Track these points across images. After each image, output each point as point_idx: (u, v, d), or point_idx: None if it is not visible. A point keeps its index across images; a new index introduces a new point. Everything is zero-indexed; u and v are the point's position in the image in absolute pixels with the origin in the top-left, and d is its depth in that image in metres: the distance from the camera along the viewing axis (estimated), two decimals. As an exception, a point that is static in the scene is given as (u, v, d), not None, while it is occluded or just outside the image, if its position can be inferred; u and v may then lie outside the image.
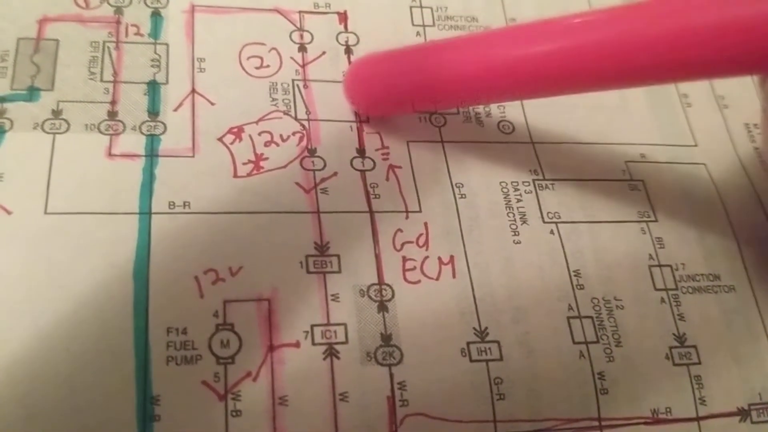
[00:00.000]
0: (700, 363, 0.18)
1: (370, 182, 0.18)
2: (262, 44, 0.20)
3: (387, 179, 0.18)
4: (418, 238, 0.18)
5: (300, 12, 0.20)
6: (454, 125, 0.20)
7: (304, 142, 0.18)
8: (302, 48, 0.20)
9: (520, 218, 0.18)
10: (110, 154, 0.17)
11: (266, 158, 0.18)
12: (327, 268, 0.17)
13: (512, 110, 0.20)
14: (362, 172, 0.18)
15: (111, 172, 0.17)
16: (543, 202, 0.19)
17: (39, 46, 0.18)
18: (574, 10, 0.15)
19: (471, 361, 0.16)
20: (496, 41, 0.16)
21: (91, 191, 0.16)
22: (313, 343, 0.16)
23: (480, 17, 0.22)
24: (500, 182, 0.19)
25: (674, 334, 0.18)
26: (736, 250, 0.19)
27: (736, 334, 0.18)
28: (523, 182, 0.19)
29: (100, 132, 0.17)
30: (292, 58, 0.20)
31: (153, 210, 0.16)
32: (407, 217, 0.18)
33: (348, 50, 0.20)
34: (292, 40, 0.20)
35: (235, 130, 0.18)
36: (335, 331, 0.16)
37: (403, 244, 0.17)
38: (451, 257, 0.18)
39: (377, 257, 0.17)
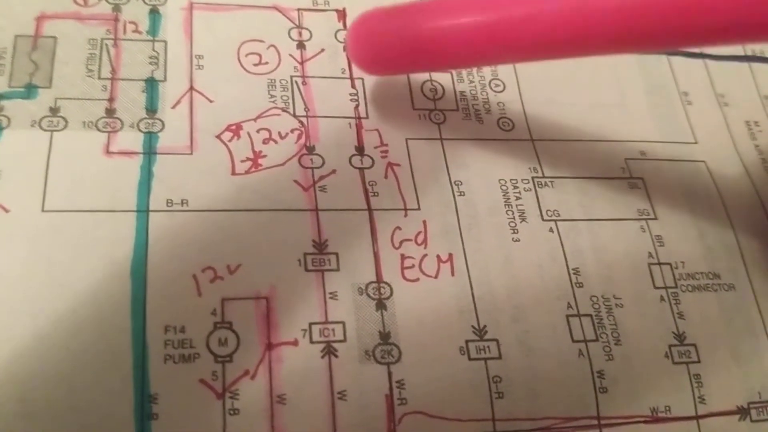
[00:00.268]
0: (699, 361, 0.18)
1: (368, 180, 0.18)
2: (261, 41, 0.19)
3: (386, 177, 0.18)
4: (416, 236, 0.18)
5: (299, 9, 0.20)
6: (454, 122, 0.20)
7: (303, 140, 0.18)
8: (301, 45, 0.20)
9: (519, 216, 0.18)
10: (108, 152, 0.17)
11: (264, 156, 0.18)
12: (325, 266, 0.17)
13: (512, 107, 0.20)
14: (361, 169, 0.18)
15: (109, 170, 0.17)
16: (542, 200, 0.19)
17: (37, 43, 0.18)
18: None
19: (470, 359, 0.16)
20: None
21: (89, 189, 0.16)
22: (312, 342, 0.16)
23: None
24: (499, 180, 0.19)
25: (674, 333, 0.18)
26: (736, 248, 0.19)
27: (735, 332, 0.18)
28: (523, 180, 0.19)
29: (98, 129, 0.17)
30: (290, 55, 0.20)
31: (151, 208, 0.16)
32: (406, 215, 0.18)
33: (347, 48, 0.20)
34: (290, 37, 0.20)
35: (234, 127, 0.18)
36: (333, 330, 0.16)
37: (401, 242, 0.17)
38: (450, 255, 0.18)
39: (376, 255, 0.17)
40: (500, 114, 0.20)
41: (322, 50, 0.20)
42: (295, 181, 0.18)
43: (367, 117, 0.19)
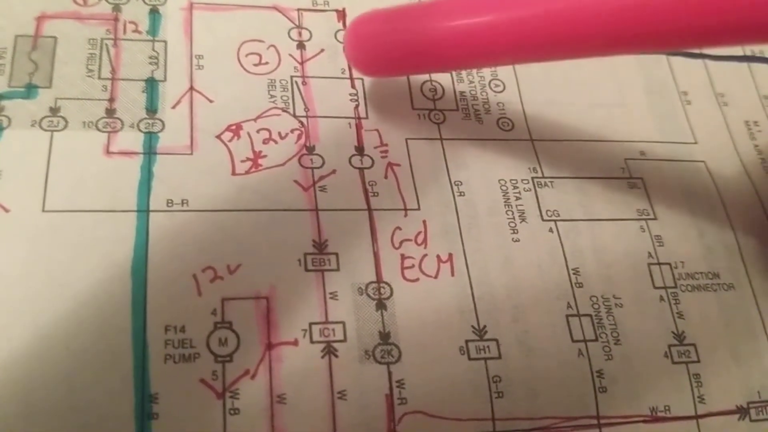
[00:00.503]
0: (699, 361, 0.18)
1: (368, 180, 0.18)
2: (261, 41, 0.19)
3: (386, 177, 0.18)
4: (416, 236, 0.18)
5: (298, 9, 0.20)
6: (453, 122, 0.20)
7: (303, 140, 0.18)
8: (301, 45, 0.20)
9: (519, 216, 0.18)
10: (108, 152, 0.17)
11: (265, 156, 0.18)
12: (325, 266, 0.17)
13: (512, 107, 0.20)
14: (361, 169, 0.18)
15: (109, 170, 0.17)
16: (542, 200, 0.19)
17: (37, 43, 0.18)
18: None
19: (470, 359, 0.16)
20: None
21: (89, 189, 0.16)
22: (312, 342, 0.16)
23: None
24: (499, 180, 0.19)
25: (673, 333, 0.18)
26: (736, 248, 0.19)
27: (735, 332, 0.18)
28: (522, 180, 0.19)
29: (98, 129, 0.17)
30: (290, 55, 0.20)
31: (151, 208, 0.16)
32: (406, 215, 0.18)
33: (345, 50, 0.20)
34: (290, 37, 0.20)
35: (234, 127, 0.18)
36: (333, 329, 0.16)
37: (401, 242, 0.17)
38: (450, 255, 0.18)
39: (376, 255, 0.17)
40: (500, 114, 0.20)
41: (322, 50, 0.20)
42: (295, 181, 0.18)
43: (366, 117, 0.19)
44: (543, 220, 0.19)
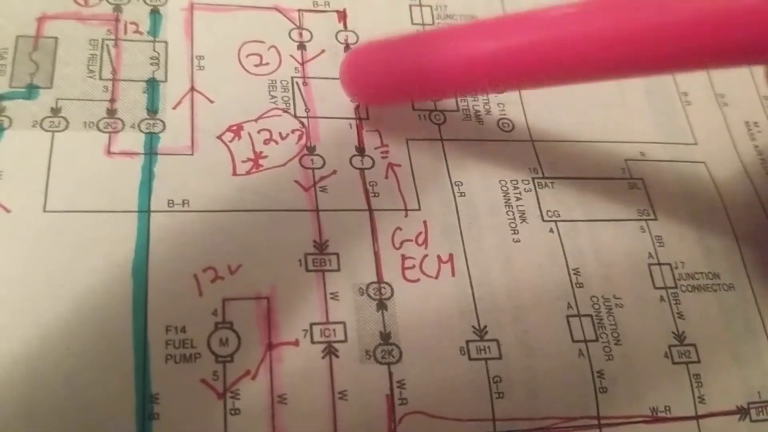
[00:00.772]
0: (699, 361, 0.18)
1: (369, 180, 0.18)
2: (262, 42, 0.20)
3: (386, 177, 0.18)
4: (417, 237, 0.18)
5: (299, 10, 0.20)
6: (454, 123, 0.20)
7: (304, 140, 0.18)
8: (301, 46, 0.20)
9: (520, 217, 0.18)
10: (109, 152, 0.17)
11: (265, 156, 0.18)
12: (326, 266, 0.17)
13: (512, 108, 0.20)
14: (361, 170, 0.18)
15: (110, 170, 0.17)
16: (542, 201, 0.19)
17: (38, 43, 0.18)
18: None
19: (470, 359, 0.16)
20: (494, 29, 0.16)
21: (90, 189, 0.16)
22: (312, 342, 0.16)
23: (479, 15, 0.22)
24: (500, 180, 0.19)
25: (674, 333, 0.18)
26: (736, 248, 0.19)
27: (735, 332, 0.18)
28: (523, 180, 0.19)
29: (99, 130, 0.17)
30: (291, 55, 0.20)
31: (152, 208, 0.16)
32: (406, 216, 0.18)
33: (347, 48, 0.20)
34: (291, 38, 0.20)
35: (235, 128, 0.18)
36: (334, 330, 0.16)
37: (402, 243, 0.17)
38: (451, 256, 0.18)
39: (376, 255, 0.17)
40: (500, 115, 0.20)
41: (323, 51, 0.20)
42: (296, 182, 0.18)
43: (367, 117, 0.19)
44: (543, 220, 0.19)
